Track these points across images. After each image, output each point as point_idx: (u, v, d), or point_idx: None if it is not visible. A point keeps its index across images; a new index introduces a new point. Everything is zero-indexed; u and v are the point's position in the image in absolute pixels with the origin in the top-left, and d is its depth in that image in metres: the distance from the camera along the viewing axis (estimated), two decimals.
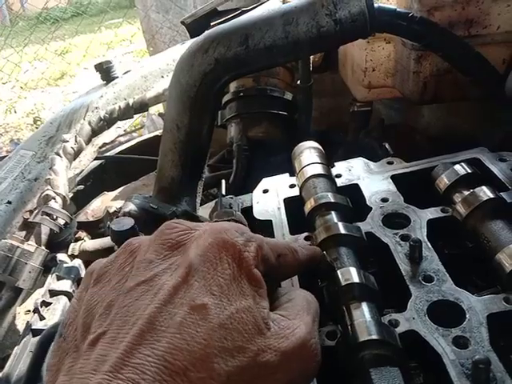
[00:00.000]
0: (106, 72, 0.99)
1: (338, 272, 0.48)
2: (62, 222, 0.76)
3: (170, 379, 0.26)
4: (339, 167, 0.74)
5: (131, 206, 0.68)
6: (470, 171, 0.59)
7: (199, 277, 0.30)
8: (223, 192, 0.76)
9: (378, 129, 0.92)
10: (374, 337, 0.40)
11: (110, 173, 1.33)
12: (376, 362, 0.40)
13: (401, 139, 0.90)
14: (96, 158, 1.00)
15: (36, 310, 0.70)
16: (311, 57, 1.06)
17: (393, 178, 0.68)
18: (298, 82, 0.98)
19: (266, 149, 0.99)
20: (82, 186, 0.97)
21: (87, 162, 0.88)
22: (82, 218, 1.00)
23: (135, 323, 0.28)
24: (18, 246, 0.68)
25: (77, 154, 0.81)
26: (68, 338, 0.31)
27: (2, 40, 6.01)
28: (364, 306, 0.45)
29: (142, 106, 0.91)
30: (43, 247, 0.73)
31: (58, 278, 0.76)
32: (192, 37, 1.17)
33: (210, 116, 0.71)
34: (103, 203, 1.06)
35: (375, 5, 0.66)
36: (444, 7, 0.73)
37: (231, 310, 0.29)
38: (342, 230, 0.54)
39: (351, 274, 0.47)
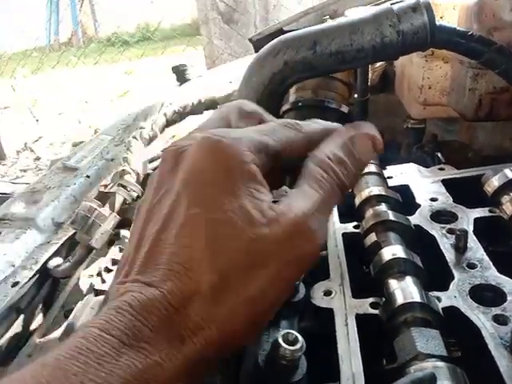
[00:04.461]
0: (181, 73, 1.10)
1: (386, 248, 0.52)
2: (134, 194, 0.84)
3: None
4: (391, 170, 0.78)
5: None
6: None
7: (190, 191, 0.30)
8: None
9: (431, 143, 0.95)
10: (417, 300, 0.43)
11: None
12: (417, 323, 0.43)
13: (454, 155, 0.93)
14: None
15: (99, 274, 0.78)
16: (369, 74, 1.12)
17: (443, 181, 0.71)
18: (355, 95, 1.03)
19: None
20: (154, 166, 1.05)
21: (159, 149, 0.98)
22: None
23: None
24: (95, 209, 0.77)
25: (151, 139, 0.90)
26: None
27: (76, 59, 6.55)
28: (408, 278, 0.48)
29: (212, 104, 1.01)
30: (115, 214, 0.81)
31: (120, 250, 0.84)
32: (257, 52, 1.27)
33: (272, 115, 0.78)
34: None
35: (437, 22, 0.71)
36: (504, 28, 0.77)
37: (222, 212, 0.29)
38: (392, 217, 0.58)
39: (398, 250, 0.51)
